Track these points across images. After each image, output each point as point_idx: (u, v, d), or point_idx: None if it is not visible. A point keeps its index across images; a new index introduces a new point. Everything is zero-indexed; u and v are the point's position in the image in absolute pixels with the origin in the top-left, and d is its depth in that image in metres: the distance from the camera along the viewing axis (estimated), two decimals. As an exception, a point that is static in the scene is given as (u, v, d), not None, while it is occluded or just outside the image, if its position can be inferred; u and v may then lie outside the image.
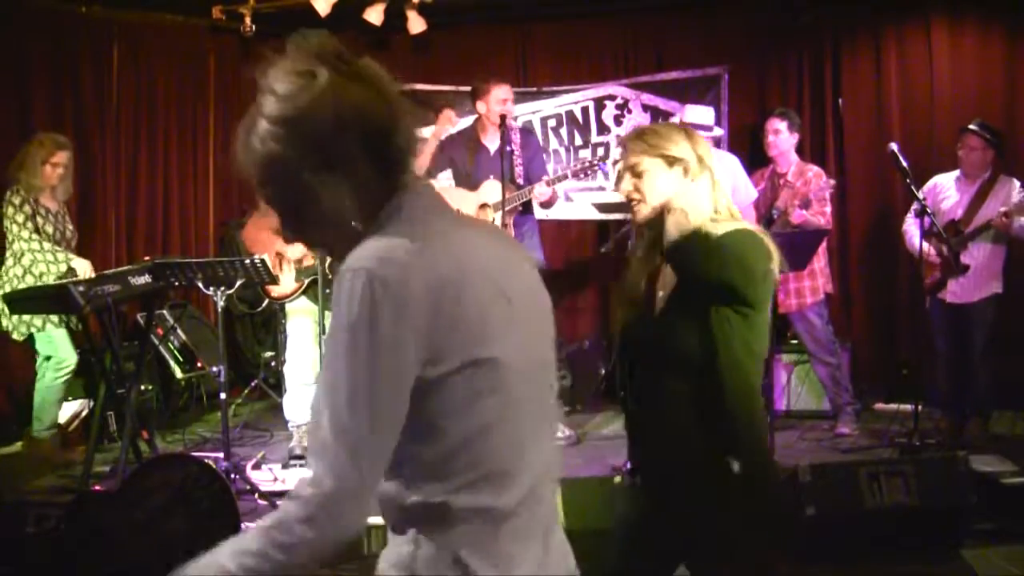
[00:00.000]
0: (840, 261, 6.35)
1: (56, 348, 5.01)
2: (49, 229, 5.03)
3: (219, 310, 4.48)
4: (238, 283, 4.35)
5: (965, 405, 5.19)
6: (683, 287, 2.18)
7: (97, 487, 4.28)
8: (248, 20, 6.27)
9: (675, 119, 6.03)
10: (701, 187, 2.21)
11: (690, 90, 6.52)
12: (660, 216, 2.23)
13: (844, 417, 5.37)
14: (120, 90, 6.36)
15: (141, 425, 4.64)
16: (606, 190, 6.65)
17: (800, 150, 5.67)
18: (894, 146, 4.85)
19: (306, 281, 4.85)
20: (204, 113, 6.76)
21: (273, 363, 6.38)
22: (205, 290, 4.34)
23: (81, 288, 4.08)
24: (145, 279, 4.43)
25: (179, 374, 5.86)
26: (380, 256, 1.25)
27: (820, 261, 5.34)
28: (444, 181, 5.40)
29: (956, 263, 5.02)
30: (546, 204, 5.26)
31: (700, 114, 5.60)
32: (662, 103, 6.59)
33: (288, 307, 5.06)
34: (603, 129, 6.72)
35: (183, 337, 5.91)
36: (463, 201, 5.16)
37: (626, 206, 2.33)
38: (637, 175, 2.24)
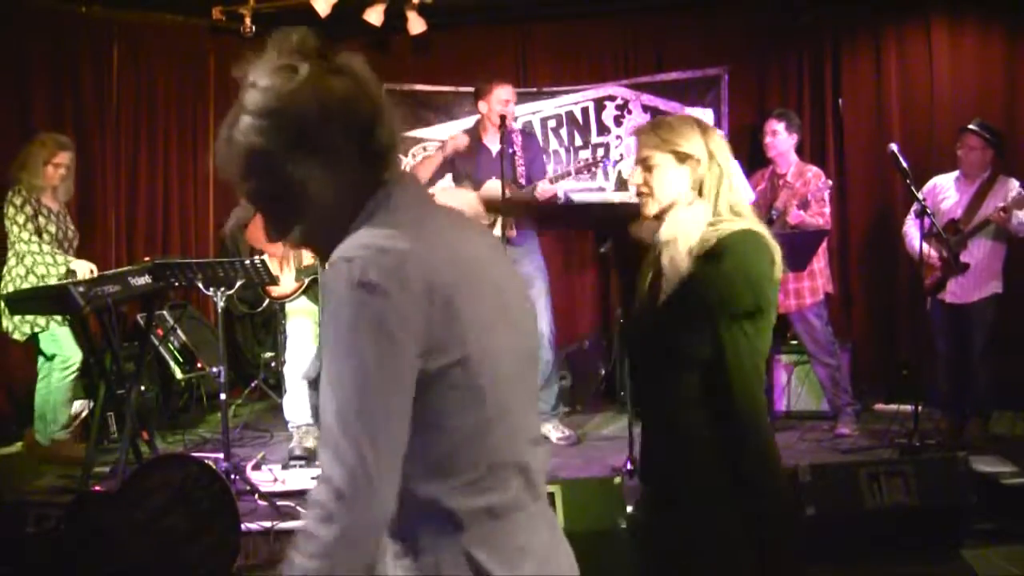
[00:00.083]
0: (840, 261, 6.35)
1: (61, 347, 5.01)
2: (52, 229, 5.03)
3: (219, 310, 4.48)
4: (238, 283, 4.36)
5: (965, 405, 5.19)
6: (686, 288, 2.15)
7: (97, 487, 4.27)
8: (248, 20, 6.27)
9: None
10: (696, 210, 2.17)
11: (690, 90, 6.53)
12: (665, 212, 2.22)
13: (844, 418, 5.36)
14: (120, 90, 6.36)
15: (141, 425, 4.64)
16: (606, 191, 6.65)
17: (800, 150, 5.66)
18: (894, 146, 4.85)
19: (306, 281, 4.86)
20: (204, 113, 6.75)
21: (273, 363, 6.38)
22: (205, 290, 4.35)
23: (81, 288, 4.08)
24: (145, 279, 4.43)
25: (179, 375, 5.86)
26: (374, 245, 1.23)
27: (820, 261, 5.34)
28: (444, 182, 5.39)
29: (956, 262, 5.03)
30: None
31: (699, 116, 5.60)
32: (662, 104, 6.59)
33: (288, 307, 5.06)
34: (603, 130, 6.72)
35: (183, 337, 5.91)
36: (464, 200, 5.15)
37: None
38: (648, 169, 2.23)
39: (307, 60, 1.30)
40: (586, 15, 6.81)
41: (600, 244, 6.70)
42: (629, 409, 4.46)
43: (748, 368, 2.13)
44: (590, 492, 3.52)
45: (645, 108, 6.64)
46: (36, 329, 4.96)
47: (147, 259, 5.26)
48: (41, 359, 5.09)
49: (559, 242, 6.79)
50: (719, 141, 2.24)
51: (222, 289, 4.35)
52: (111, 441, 5.26)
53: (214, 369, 4.63)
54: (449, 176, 5.37)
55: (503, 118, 5.00)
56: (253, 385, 6.26)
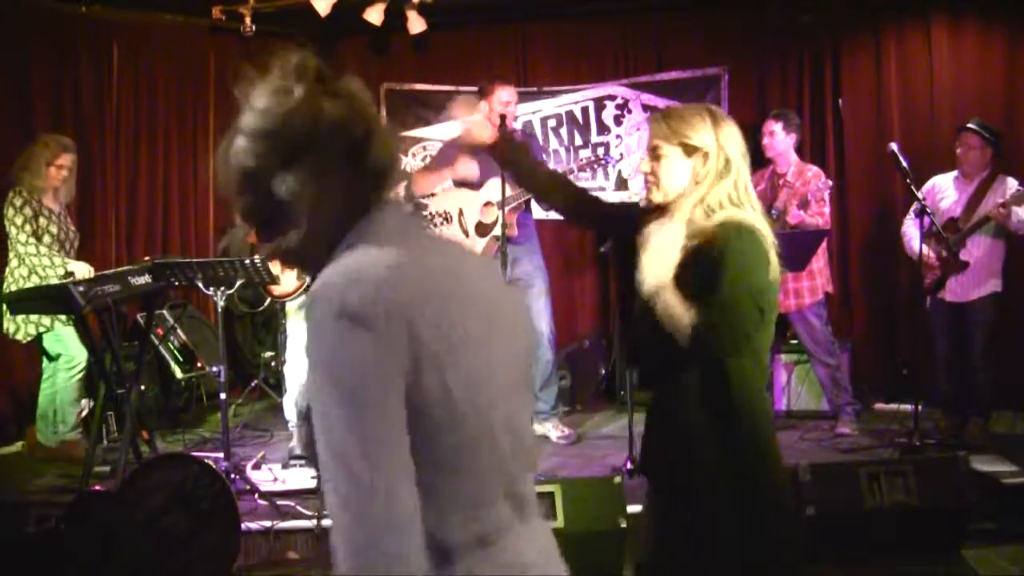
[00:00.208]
0: (840, 261, 6.35)
1: (66, 346, 5.01)
2: (53, 230, 5.03)
3: (219, 310, 4.49)
4: (238, 283, 4.36)
5: (965, 405, 5.19)
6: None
7: (97, 487, 4.27)
8: (248, 20, 6.27)
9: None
10: (671, 232, 2.15)
11: (690, 90, 6.53)
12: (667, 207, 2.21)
13: (844, 417, 5.37)
14: (120, 90, 6.35)
15: (141, 425, 4.64)
16: (607, 190, 6.65)
17: (800, 150, 5.66)
18: (894, 146, 4.85)
19: (307, 280, 4.86)
20: (204, 113, 6.76)
21: (273, 363, 6.38)
22: (205, 290, 4.35)
23: (81, 288, 4.08)
24: (145, 279, 4.43)
25: (179, 374, 5.86)
26: (359, 271, 1.23)
27: (819, 261, 5.34)
28: (445, 183, 5.38)
29: (955, 260, 5.03)
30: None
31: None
32: (662, 103, 6.59)
33: (288, 307, 5.06)
34: (603, 129, 6.72)
35: (183, 337, 5.91)
36: (467, 200, 5.15)
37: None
38: (656, 158, 2.23)
39: (302, 82, 1.32)
40: (586, 15, 6.81)
41: (600, 244, 6.71)
42: (629, 409, 4.46)
43: (749, 367, 2.13)
44: (590, 491, 3.51)
45: (645, 107, 6.64)
46: (41, 330, 4.96)
47: (147, 259, 5.25)
48: (45, 360, 5.09)
49: (559, 242, 6.80)
50: (730, 132, 2.23)
51: (222, 289, 4.35)
52: (111, 441, 5.26)
53: (214, 368, 4.63)
54: (449, 178, 5.37)
55: (503, 118, 4.99)
56: (253, 385, 6.26)
